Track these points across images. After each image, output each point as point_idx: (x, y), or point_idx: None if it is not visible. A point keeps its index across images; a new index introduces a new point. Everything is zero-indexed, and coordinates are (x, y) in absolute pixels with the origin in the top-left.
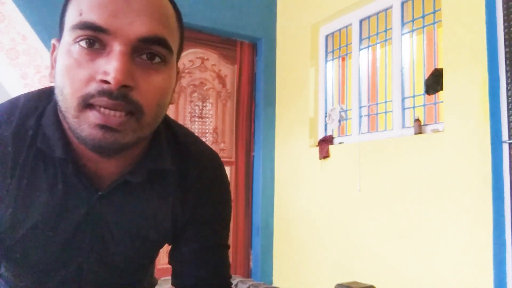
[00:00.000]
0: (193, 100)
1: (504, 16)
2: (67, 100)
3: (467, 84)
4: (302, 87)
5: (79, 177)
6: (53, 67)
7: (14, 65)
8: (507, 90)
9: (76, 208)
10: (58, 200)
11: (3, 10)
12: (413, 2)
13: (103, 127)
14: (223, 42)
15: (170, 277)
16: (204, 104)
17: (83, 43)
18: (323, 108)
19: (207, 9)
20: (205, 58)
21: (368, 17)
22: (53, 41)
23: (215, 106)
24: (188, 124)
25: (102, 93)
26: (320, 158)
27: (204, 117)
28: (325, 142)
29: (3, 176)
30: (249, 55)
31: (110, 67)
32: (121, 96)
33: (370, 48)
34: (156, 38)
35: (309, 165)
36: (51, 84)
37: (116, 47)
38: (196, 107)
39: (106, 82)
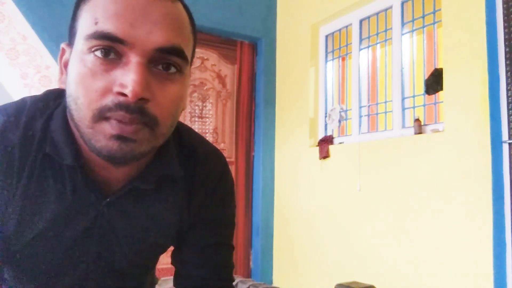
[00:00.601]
0: (193, 100)
1: (504, 16)
2: (81, 110)
3: (467, 84)
4: (302, 87)
5: (88, 184)
6: (62, 72)
7: (14, 65)
8: (507, 90)
9: (83, 214)
10: (66, 206)
11: (3, 10)
12: (413, 2)
13: (119, 137)
14: (223, 42)
15: (170, 277)
16: (204, 104)
17: (98, 53)
18: (323, 108)
19: (207, 9)
20: (205, 58)
21: (368, 17)
22: (63, 45)
23: (215, 106)
24: (188, 124)
25: (119, 106)
26: (320, 158)
27: (204, 117)
28: (325, 142)
29: (10, 181)
30: (249, 55)
31: (127, 79)
32: (138, 109)
33: (370, 48)
34: (173, 49)
35: (309, 165)
36: (53, 86)
37: (133, 58)
38: (196, 107)
39: (123, 94)
